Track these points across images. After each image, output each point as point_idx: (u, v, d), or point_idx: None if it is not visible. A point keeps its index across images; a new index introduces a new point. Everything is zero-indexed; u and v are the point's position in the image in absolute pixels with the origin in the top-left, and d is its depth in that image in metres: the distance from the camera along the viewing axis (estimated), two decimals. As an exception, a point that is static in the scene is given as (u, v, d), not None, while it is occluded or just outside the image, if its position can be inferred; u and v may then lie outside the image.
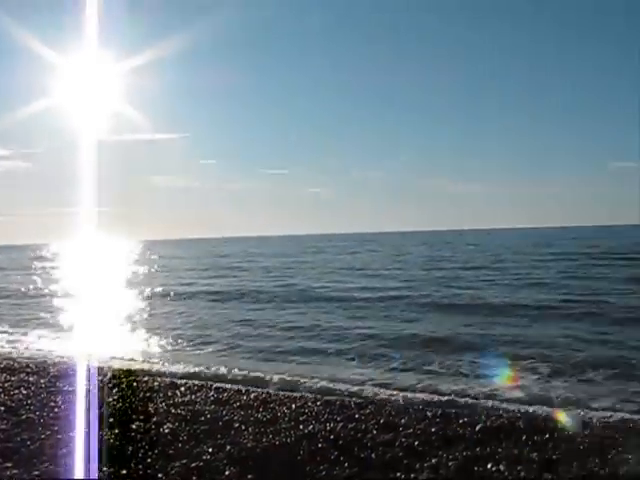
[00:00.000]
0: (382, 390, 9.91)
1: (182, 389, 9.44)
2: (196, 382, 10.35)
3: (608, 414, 8.68)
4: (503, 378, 10.97)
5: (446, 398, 9.36)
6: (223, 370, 11.53)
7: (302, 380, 10.52)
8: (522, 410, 8.58)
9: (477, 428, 6.99)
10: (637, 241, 71.29)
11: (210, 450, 6.10)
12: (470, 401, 9.32)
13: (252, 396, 8.97)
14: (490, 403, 9.21)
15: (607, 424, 8.00)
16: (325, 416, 7.62)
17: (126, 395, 8.64)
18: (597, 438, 6.73)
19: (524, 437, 6.67)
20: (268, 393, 9.26)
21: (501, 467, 5.72)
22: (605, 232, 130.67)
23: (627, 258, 42.16)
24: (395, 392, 9.76)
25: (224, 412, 7.79)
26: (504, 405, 9.09)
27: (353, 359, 12.98)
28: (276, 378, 10.59)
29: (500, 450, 6.23)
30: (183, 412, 7.77)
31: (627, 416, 8.42)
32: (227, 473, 5.52)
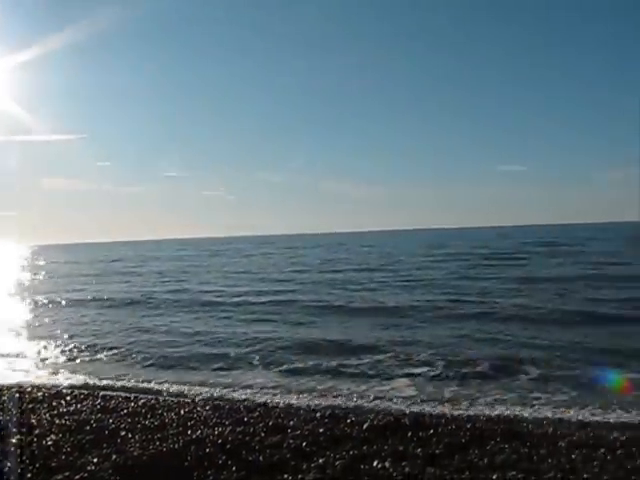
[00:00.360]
0: (271, 391, 10.05)
1: (68, 398, 9.18)
2: (83, 391, 10.09)
3: (493, 408, 9.17)
4: (397, 378, 11.31)
5: (338, 400, 9.60)
6: (109, 381, 11.30)
7: (193, 388, 10.49)
8: (411, 408, 8.91)
9: (364, 427, 7.16)
10: (524, 241, 74.92)
11: (95, 460, 5.95)
12: (360, 401, 9.60)
13: (140, 403, 8.83)
14: (380, 403, 9.52)
15: (490, 418, 8.42)
16: (214, 420, 7.62)
17: (6, 408, 8.30)
18: (479, 431, 7.02)
19: (409, 434, 6.89)
20: (157, 399, 9.15)
21: (386, 464, 5.88)
22: (493, 233, 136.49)
23: (514, 258, 44.22)
24: (287, 395, 9.91)
25: (111, 420, 7.64)
26: (393, 404, 9.42)
27: (250, 363, 12.99)
28: (166, 386, 10.49)
29: (386, 447, 6.41)
30: (68, 422, 7.55)
31: (510, 409, 8.94)
32: (112, 483, 5.42)
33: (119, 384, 10.96)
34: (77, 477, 5.53)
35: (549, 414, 8.82)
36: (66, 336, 17.38)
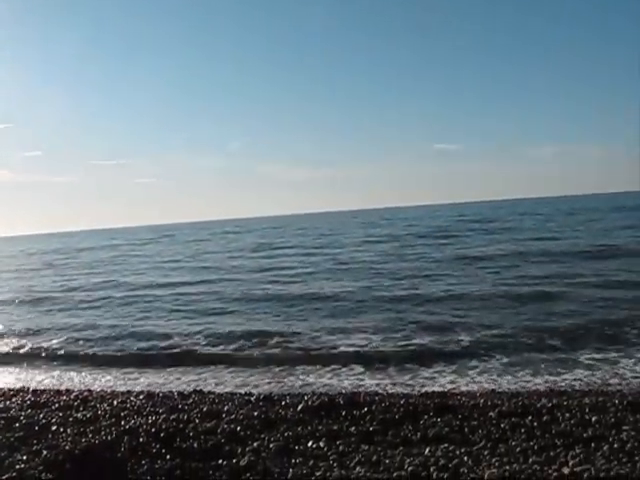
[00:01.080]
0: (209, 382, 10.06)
1: (-5, 396, 8.91)
2: (13, 387, 9.83)
3: (428, 383, 9.40)
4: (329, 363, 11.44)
5: (271, 383, 9.66)
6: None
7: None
8: (346, 388, 9.02)
9: (299, 408, 7.19)
10: (459, 219, 75.61)
11: (24, 458, 5.77)
12: (295, 383, 9.69)
13: (72, 396, 8.66)
14: (315, 384, 9.63)
15: (424, 393, 8.60)
16: (147, 409, 7.53)
17: None
18: (412, 407, 7.13)
19: (344, 413, 6.96)
20: (89, 391, 8.98)
21: (321, 444, 5.93)
22: (426, 211, 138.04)
23: (450, 236, 44.51)
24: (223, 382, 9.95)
25: (41, 415, 7.44)
26: (327, 385, 9.55)
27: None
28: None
29: (320, 427, 6.46)
30: (-5, 421, 7.33)
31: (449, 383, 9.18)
32: (43, 480, 5.29)
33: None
34: (5, 477, 5.37)
35: (484, 385, 9.13)
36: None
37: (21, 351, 14.31)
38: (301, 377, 10.35)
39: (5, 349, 14.54)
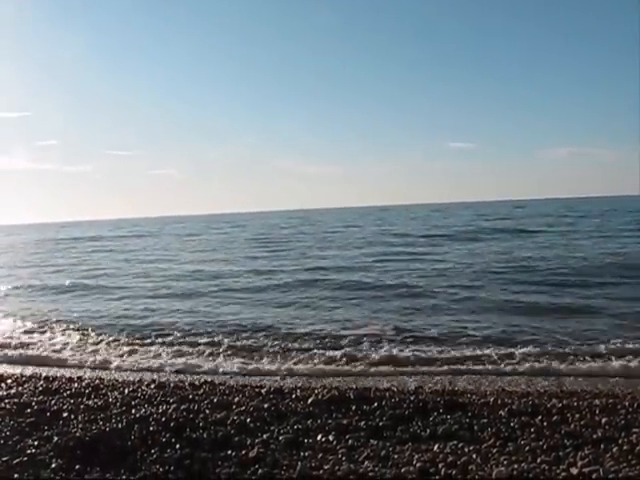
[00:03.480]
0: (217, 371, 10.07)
1: (8, 382, 8.98)
2: (25, 373, 9.93)
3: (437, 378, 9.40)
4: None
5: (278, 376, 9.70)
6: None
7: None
8: (354, 384, 9.04)
9: (309, 402, 7.21)
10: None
11: (35, 443, 5.84)
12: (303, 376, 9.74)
13: (84, 383, 8.72)
14: (325, 378, 9.70)
15: (434, 390, 8.59)
16: (158, 399, 7.56)
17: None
18: (422, 403, 7.12)
19: (354, 407, 6.96)
20: (100, 379, 9.04)
21: (330, 437, 5.95)
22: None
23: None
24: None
25: (53, 402, 7.50)
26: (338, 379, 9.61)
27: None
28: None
29: (330, 421, 6.47)
30: (8, 406, 7.37)
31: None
32: (53, 466, 5.32)
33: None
34: (16, 462, 5.43)
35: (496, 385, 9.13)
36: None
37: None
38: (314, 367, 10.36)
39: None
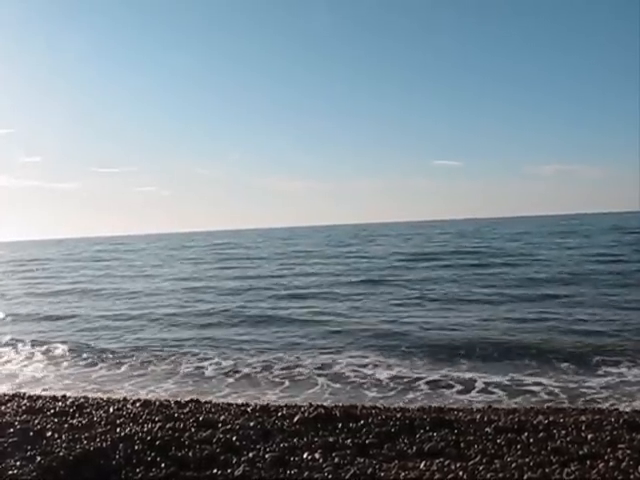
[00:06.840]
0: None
1: (-10, 401, 8.87)
2: (7, 392, 9.81)
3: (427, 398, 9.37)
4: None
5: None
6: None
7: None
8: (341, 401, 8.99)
9: (295, 419, 7.16)
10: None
11: (18, 464, 5.73)
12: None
13: (68, 402, 8.62)
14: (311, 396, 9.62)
15: (421, 407, 8.59)
16: (143, 417, 7.49)
17: None
18: (409, 420, 7.09)
19: (340, 425, 6.91)
20: (85, 397, 8.94)
21: (316, 455, 5.89)
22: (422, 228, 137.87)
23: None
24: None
25: (36, 421, 7.39)
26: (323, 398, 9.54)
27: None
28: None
29: (316, 439, 6.42)
30: (-11, 426, 7.28)
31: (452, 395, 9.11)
32: (36, 486, 5.26)
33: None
34: (-2, 482, 5.34)
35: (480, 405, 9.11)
36: None
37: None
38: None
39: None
